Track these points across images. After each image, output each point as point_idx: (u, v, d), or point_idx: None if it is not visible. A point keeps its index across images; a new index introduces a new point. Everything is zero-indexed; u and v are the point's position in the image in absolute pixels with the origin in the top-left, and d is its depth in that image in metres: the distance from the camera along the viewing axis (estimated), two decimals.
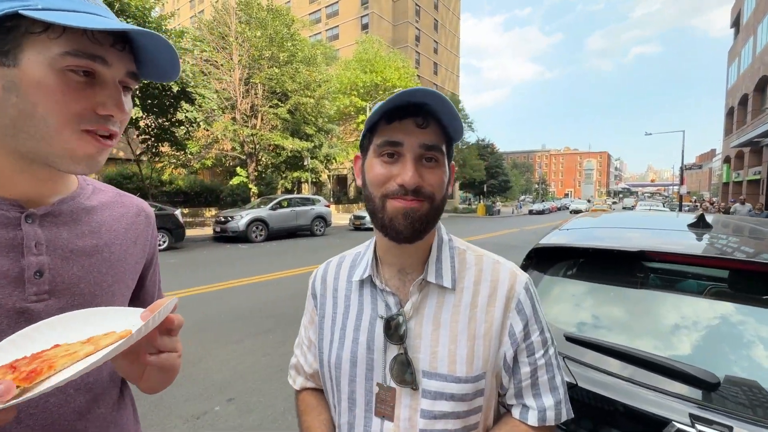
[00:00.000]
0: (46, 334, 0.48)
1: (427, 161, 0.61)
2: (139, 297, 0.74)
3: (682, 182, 26.35)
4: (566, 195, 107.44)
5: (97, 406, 0.63)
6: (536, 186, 71.20)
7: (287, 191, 20.88)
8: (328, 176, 27.45)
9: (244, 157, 18.11)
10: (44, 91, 0.49)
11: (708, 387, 1.00)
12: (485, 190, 41.06)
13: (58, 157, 0.52)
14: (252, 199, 17.38)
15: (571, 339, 1.25)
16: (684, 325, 1.20)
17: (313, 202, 14.42)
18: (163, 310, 0.48)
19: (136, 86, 0.59)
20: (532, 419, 0.65)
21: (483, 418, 0.65)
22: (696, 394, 1.00)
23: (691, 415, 0.94)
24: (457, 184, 42.10)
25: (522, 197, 63.00)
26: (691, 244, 1.39)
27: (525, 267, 1.62)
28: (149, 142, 13.30)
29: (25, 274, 0.54)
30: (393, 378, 0.64)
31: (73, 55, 0.49)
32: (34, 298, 0.55)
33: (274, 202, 13.06)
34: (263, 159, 18.48)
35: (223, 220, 11.87)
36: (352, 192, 32.13)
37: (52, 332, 0.49)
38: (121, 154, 16.95)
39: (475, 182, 39.25)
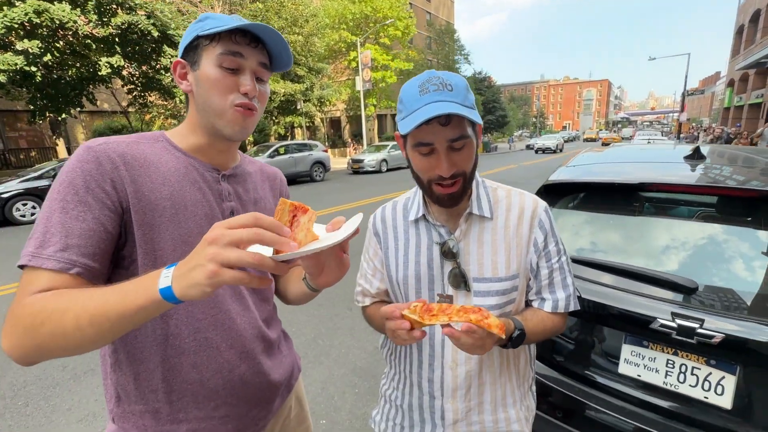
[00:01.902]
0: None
1: (456, 146, 0.77)
2: None
3: (682, 108, 25.47)
4: (564, 127, 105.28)
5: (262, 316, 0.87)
6: (534, 120, 69.58)
7: (281, 137, 20.45)
8: (322, 119, 26.66)
9: None
10: (212, 82, 0.72)
11: (687, 291, 1.23)
12: (482, 127, 40.20)
13: (225, 127, 0.74)
14: (248, 147, 17.10)
15: (574, 260, 1.47)
16: (673, 246, 1.41)
17: (310, 147, 14.27)
18: (353, 221, 0.61)
19: (268, 75, 0.79)
20: (547, 307, 0.89)
21: (515, 308, 0.89)
22: (678, 298, 1.24)
23: (672, 313, 1.18)
24: None
25: (518, 132, 61.67)
26: (686, 175, 1.56)
27: None
28: (136, 92, 12.76)
29: (226, 213, 0.80)
30: (451, 285, 0.85)
31: (225, 53, 0.71)
32: None
33: (272, 149, 12.94)
34: None
35: None
36: (346, 134, 31.44)
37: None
38: (106, 106, 16.32)
39: None
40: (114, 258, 0.67)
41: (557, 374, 1.43)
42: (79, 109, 12.25)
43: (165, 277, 0.50)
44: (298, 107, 18.34)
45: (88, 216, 0.61)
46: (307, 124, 21.39)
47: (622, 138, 41.33)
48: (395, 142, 19.24)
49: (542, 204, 0.89)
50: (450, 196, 0.80)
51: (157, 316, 0.66)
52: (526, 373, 0.97)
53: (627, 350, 1.28)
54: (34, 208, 7.98)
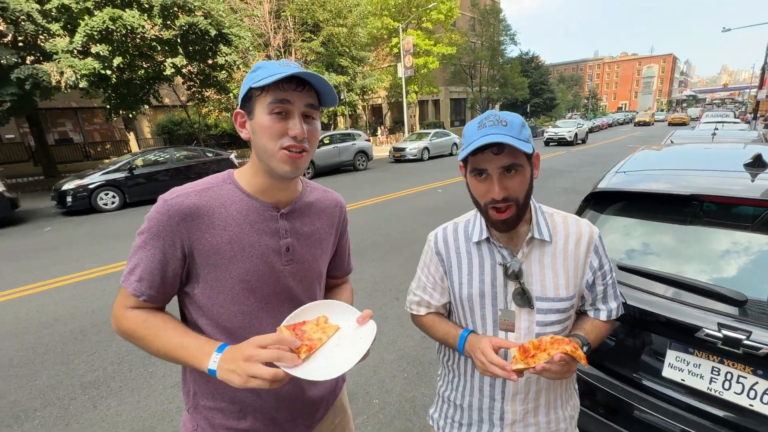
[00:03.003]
0: (299, 315, 0.82)
1: (508, 173, 0.85)
2: (335, 257, 1.08)
3: (761, 84, 21.89)
4: (619, 108, 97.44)
5: None
6: (585, 101, 65.03)
7: (323, 126, 20.94)
8: (363, 107, 26.82)
9: None
10: (263, 128, 0.79)
11: (736, 303, 1.27)
12: (528, 110, 38.23)
13: (278, 167, 0.81)
14: None
15: (623, 268, 1.54)
16: (725, 256, 1.44)
17: (353, 137, 14.54)
18: (370, 332, 0.80)
19: (317, 113, 0.85)
20: (603, 316, 1.00)
21: (570, 321, 1.00)
22: (726, 309, 1.28)
23: (719, 324, 1.23)
24: (497, 107, 39.56)
25: (568, 114, 58.06)
26: (743, 187, 1.55)
27: (582, 208, 1.86)
28: (194, 88, 13.69)
29: (282, 249, 0.88)
30: (515, 303, 0.94)
31: (273, 102, 0.78)
32: (285, 263, 0.89)
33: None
34: None
35: None
36: (388, 122, 31.45)
37: (301, 314, 0.82)
38: (167, 101, 17.55)
39: (517, 102, 36.51)
40: (182, 284, 0.85)
41: (601, 373, 1.53)
42: (146, 106, 13.36)
43: (213, 362, 0.72)
44: (342, 97, 18.64)
45: (157, 257, 0.79)
46: (349, 113, 21.68)
47: (691, 119, 37.35)
48: (437, 130, 19.07)
49: (596, 231, 0.98)
50: (504, 222, 0.87)
51: (225, 335, 0.85)
52: (572, 375, 1.05)
53: (671, 355, 1.35)
54: (114, 197, 8.97)
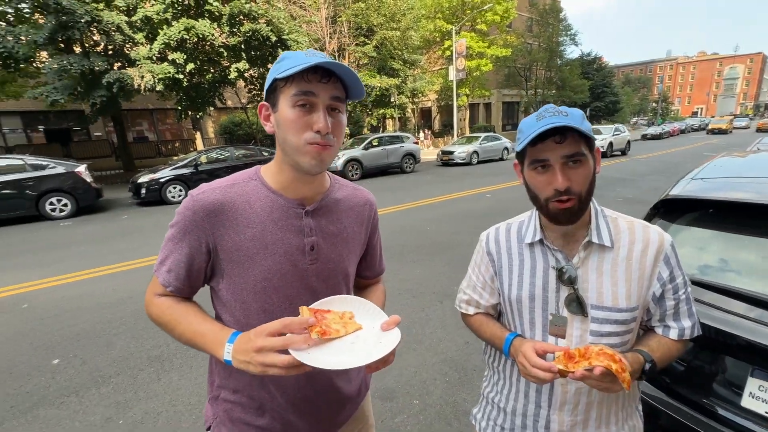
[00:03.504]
0: (328, 304, 0.81)
1: (572, 163, 0.81)
2: (365, 257, 1.05)
3: None
4: (694, 113, 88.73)
5: None
6: (654, 105, 59.86)
7: (373, 128, 21.25)
8: (413, 110, 26.86)
9: None
10: (287, 122, 0.76)
11: None
12: (588, 114, 36.01)
13: (303, 163, 0.79)
14: (345, 139, 18.16)
15: (696, 283, 1.41)
16: None
17: (402, 139, 14.63)
18: (392, 341, 0.75)
19: (343, 106, 0.81)
20: (673, 335, 0.91)
21: (632, 337, 0.92)
22: None
23: None
24: None
25: (633, 119, 53.73)
26: None
27: (651, 216, 1.72)
28: (254, 91, 14.58)
29: (306, 248, 0.86)
30: (567, 309, 0.89)
31: (297, 94, 0.75)
32: (310, 262, 0.86)
33: (366, 141, 13.60)
34: None
35: None
36: (436, 125, 31.21)
37: (331, 303, 0.81)
38: (229, 103, 18.83)
39: (575, 106, 34.56)
40: (208, 279, 0.86)
41: (668, 398, 1.41)
42: (212, 108, 14.47)
43: (227, 352, 0.72)
44: (392, 100, 18.81)
45: (184, 251, 0.80)
46: (398, 115, 21.81)
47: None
48: (488, 134, 18.55)
49: (668, 239, 0.89)
50: (566, 211, 0.82)
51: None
52: (634, 393, 0.99)
53: (754, 384, 1.21)
54: (180, 191, 9.79)
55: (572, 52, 35.98)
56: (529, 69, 31.66)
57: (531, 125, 0.82)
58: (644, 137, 32.08)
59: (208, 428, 0.93)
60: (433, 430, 2.18)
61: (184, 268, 0.81)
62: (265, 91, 0.81)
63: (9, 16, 11.77)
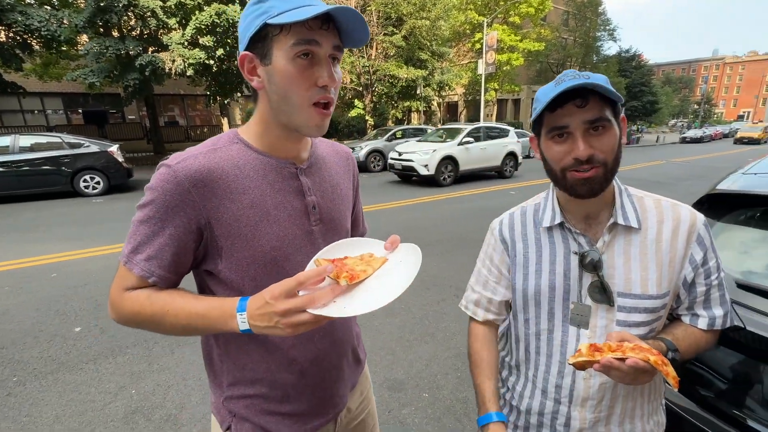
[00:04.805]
0: (336, 251, 0.73)
1: (594, 131, 0.73)
2: (352, 218, 0.99)
3: None
4: (740, 117, 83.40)
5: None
6: (696, 107, 56.61)
7: (398, 121, 21.08)
8: (438, 104, 26.48)
9: (360, 89, 18.60)
10: (287, 78, 0.66)
11: None
12: (623, 114, 34.29)
13: (302, 126, 0.71)
14: (368, 130, 18.15)
15: (742, 286, 1.27)
16: None
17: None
18: (417, 258, 0.68)
19: (341, 56, 0.72)
20: (702, 324, 0.82)
21: (659, 324, 0.83)
22: None
23: None
24: None
25: (673, 121, 51.08)
26: None
27: None
28: None
29: (308, 209, 0.79)
30: (591, 298, 0.81)
31: (298, 43, 0.64)
32: (314, 223, 0.80)
33: (390, 133, 13.54)
34: (378, 89, 18.69)
35: None
36: (462, 120, 30.69)
37: (339, 250, 0.73)
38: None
39: None
40: (198, 263, 0.75)
41: (704, 412, 1.28)
42: (240, 94, 14.71)
43: (242, 322, 0.63)
44: (418, 92, 18.57)
45: (167, 232, 0.68)
46: (424, 109, 21.54)
47: None
48: (516, 130, 18.03)
49: (701, 217, 0.80)
50: (585, 181, 0.73)
51: None
52: (659, 387, 0.91)
53: None
54: None
55: (609, 48, 34.26)
56: (563, 65, 30.48)
57: (549, 91, 0.73)
58: (683, 140, 30.53)
59: (228, 428, 0.84)
60: (441, 424, 2.11)
61: (170, 252, 0.68)
62: (246, 38, 0.68)
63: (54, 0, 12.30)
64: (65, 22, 10.64)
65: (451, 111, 32.66)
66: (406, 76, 16.92)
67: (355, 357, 0.97)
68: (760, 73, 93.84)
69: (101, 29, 11.84)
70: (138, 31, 12.15)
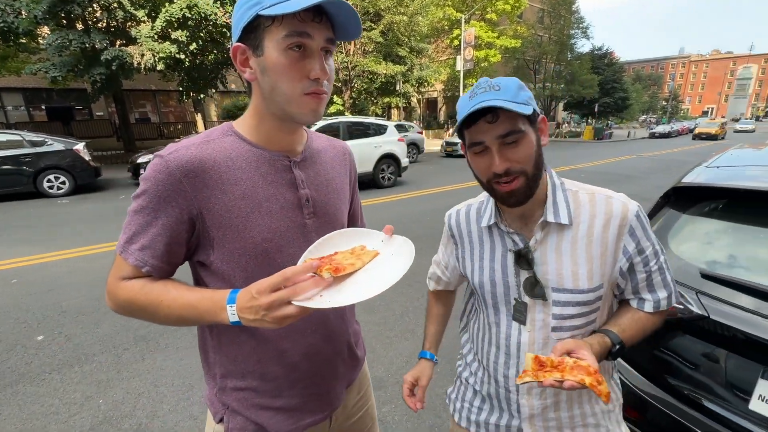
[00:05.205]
0: (328, 244, 0.73)
1: (508, 144, 0.75)
2: (350, 214, 0.99)
3: None
4: (704, 113, 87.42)
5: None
6: (664, 103, 58.90)
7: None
8: (418, 100, 26.53)
9: (339, 85, 18.41)
10: (279, 69, 0.67)
11: None
12: (596, 110, 35.40)
13: (296, 114, 0.71)
14: None
15: (706, 276, 1.31)
16: None
17: (406, 128, 14.52)
18: (410, 251, 0.70)
19: (334, 49, 0.73)
20: (648, 308, 0.85)
21: (599, 314, 0.86)
22: None
23: None
24: (561, 105, 37.08)
25: (643, 117, 52.99)
26: None
27: (660, 206, 1.62)
28: None
29: (301, 202, 0.79)
30: (526, 294, 0.85)
31: (290, 35, 0.65)
32: (307, 217, 0.80)
33: None
34: (357, 85, 18.54)
35: None
36: (442, 116, 30.87)
37: (330, 242, 0.73)
38: (233, 86, 18.59)
39: (584, 101, 33.92)
40: (191, 253, 0.76)
41: (671, 398, 1.32)
42: (214, 90, 14.28)
43: (232, 314, 0.64)
44: (397, 88, 18.53)
45: (160, 221, 0.69)
46: (404, 105, 21.54)
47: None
48: None
49: (633, 208, 0.81)
50: (510, 194, 0.78)
51: None
52: (607, 367, 0.95)
53: (764, 386, 1.12)
54: None
55: (583, 46, 35.07)
56: (539, 62, 31.09)
57: (464, 105, 0.76)
58: (652, 135, 31.71)
59: (221, 420, 0.84)
60: (421, 420, 2.11)
61: (162, 242, 0.70)
62: (238, 29, 0.68)
63: None
64: (23, 13, 10.03)
65: (431, 107, 32.81)
66: (385, 71, 16.84)
67: (351, 354, 0.96)
68: (723, 71, 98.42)
69: (64, 21, 11.23)
70: (104, 24, 11.59)
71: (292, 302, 0.60)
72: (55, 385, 2.36)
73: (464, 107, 0.76)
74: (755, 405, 1.12)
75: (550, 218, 0.82)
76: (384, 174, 9.13)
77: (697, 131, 29.78)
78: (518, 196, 0.78)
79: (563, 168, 12.32)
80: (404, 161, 9.41)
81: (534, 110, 0.76)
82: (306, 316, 0.71)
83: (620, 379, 1.40)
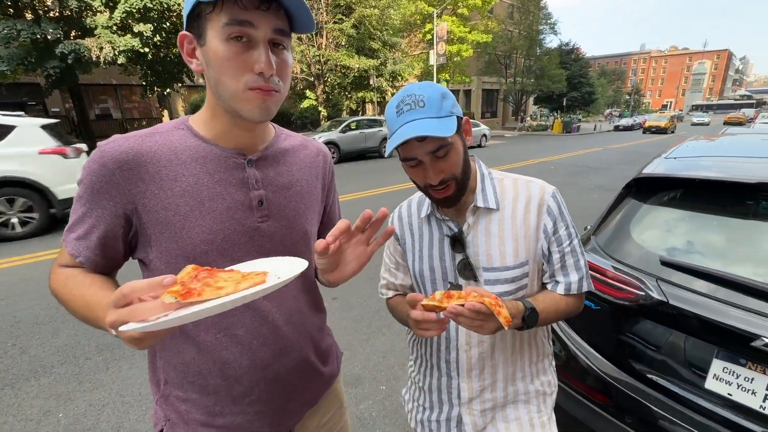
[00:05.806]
0: (252, 264, 0.62)
1: (439, 157, 0.80)
2: (324, 221, 0.93)
3: None
4: (664, 106, 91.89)
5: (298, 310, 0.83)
6: (627, 97, 61.50)
7: (353, 112, 20.82)
8: (392, 94, 26.49)
9: (311, 79, 18.09)
10: (221, 61, 0.61)
11: None
12: (564, 104, 36.49)
13: (243, 110, 0.65)
14: (322, 122, 17.74)
15: (666, 263, 1.36)
16: None
17: (380, 123, 14.35)
18: (284, 281, 0.56)
19: (288, 41, 0.66)
20: (560, 290, 0.91)
21: (527, 292, 0.92)
22: None
23: None
24: (531, 99, 37.98)
25: (608, 110, 55.13)
26: None
27: (623, 197, 1.67)
28: None
29: (253, 203, 0.73)
30: (460, 275, 0.91)
31: (230, 24, 0.59)
32: (260, 220, 0.74)
33: (344, 124, 13.25)
34: (330, 80, 18.28)
35: None
36: None
37: (252, 266, 0.61)
38: (201, 81, 17.92)
39: (553, 95, 34.88)
40: (133, 250, 0.72)
41: (628, 377, 1.37)
42: (180, 84, 13.70)
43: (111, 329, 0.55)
44: (371, 83, 18.41)
45: (94, 213, 0.67)
46: (378, 100, 21.46)
47: (749, 120, 28.91)
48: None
49: (549, 190, 0.90)
50: (445, 200, 0.85)
51: None
52: (543, 350, 1.00)
53: (718, 366, 1.18)
54: None
55: (551, 42, 35.97)
56: (509, 57, 31.67)
57: (393, 120, 0.81)
58: (617, 128, 33.02)
59: (160, 431, 0.78)
60: (398, 416, 2.12)
61: (96, 234, 0.67)
62: (185, 16, 0.64)
63: None
64: None
65: None
66: (358, 65, 16.68)
67: (314, 372, 0.88)
68: (680, 66, 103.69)
69: (11, 10, 10.43)
70: (56, 13, 10.85)
71: (129, 326, 0.48)
72: (9, 401, 2.21)
73: (393, 123, 0.80)
74: (710, 383, 1.18)
75: (480, 203, 0.89)
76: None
77: (647, 125, 29.44)
78: (452, 200, 0.85)
79: (534, 161, 12.64)
80: (59, 190, 4.89)
81: (458, 118, 0.81)
82: (253, 325, 0.66)
83: (587, 365, 1.45)
